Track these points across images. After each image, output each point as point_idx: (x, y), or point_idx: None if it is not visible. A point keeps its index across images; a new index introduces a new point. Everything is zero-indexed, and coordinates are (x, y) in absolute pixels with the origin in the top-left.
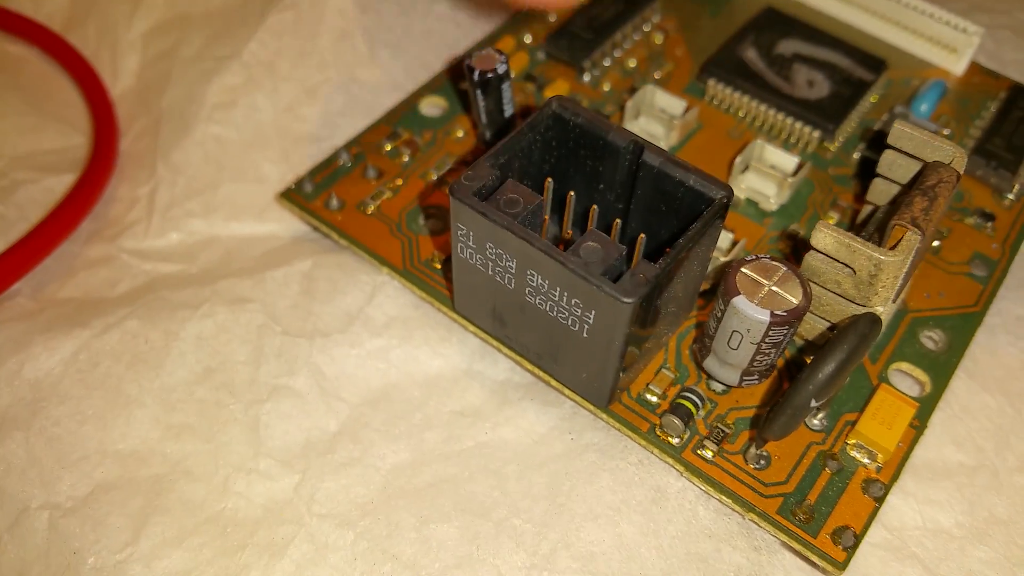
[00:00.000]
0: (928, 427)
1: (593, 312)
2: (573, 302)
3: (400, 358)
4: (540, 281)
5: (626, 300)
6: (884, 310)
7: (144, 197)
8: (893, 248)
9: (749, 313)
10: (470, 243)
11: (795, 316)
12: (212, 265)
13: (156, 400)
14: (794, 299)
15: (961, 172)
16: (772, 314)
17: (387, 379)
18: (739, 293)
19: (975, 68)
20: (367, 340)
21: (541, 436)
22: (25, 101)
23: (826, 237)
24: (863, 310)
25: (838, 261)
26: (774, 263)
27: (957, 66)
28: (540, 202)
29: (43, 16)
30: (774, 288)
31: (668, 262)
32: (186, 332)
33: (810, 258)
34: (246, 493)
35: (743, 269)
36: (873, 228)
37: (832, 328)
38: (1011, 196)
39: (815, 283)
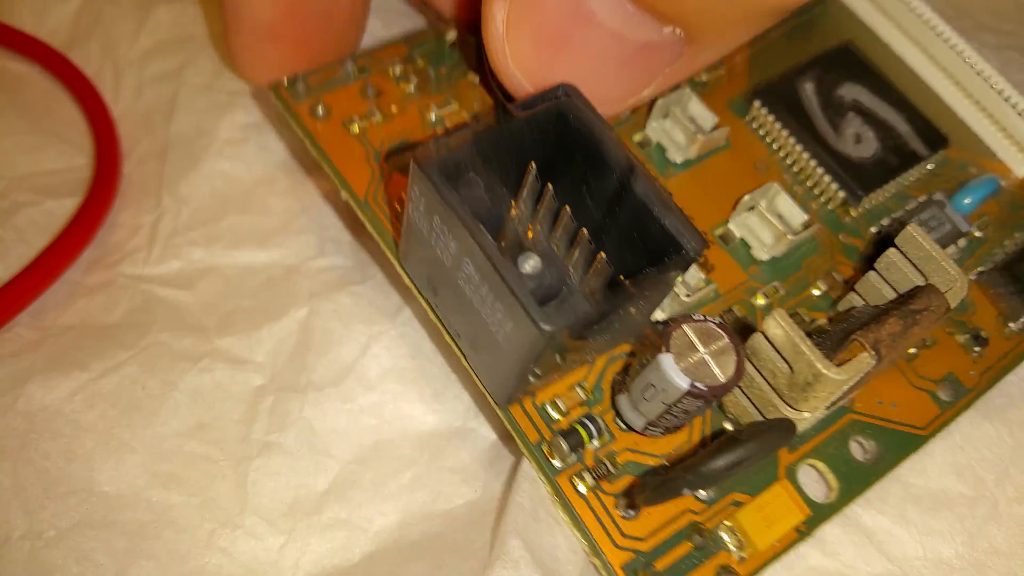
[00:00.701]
0: (930, 455)
1: (511, 324)
2: (496, 305)
3: (393, 414)
4: (472, 272)
5: (544, 327)
6: (810, 417)
7: (147, 225)
8: (841, 365)
9: (670, 375)
10: (420, 208)
11: (714, 394)
12: (211, 296)
13: (147, 448)
14: (721, 376)
15: (954, 304)
16: (692, 385)
17: (379, 435)
18: (668, 352)
19: None
20: (360, 395)
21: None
22: (26, 119)
23: (777, 328)
24: (788, 411)
25: (781, 355)
26: (718, 331)
27: (1021, 167)
28: (503, 194)
29: (45, 33)
30: (707, 357)
31: (605, 304)
32: (184, 384)
33: (756, 340)
34: (230, 550)
35: (685, 327)
36: (841, 328)
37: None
38: (1014, 327)
39: (752, 364)
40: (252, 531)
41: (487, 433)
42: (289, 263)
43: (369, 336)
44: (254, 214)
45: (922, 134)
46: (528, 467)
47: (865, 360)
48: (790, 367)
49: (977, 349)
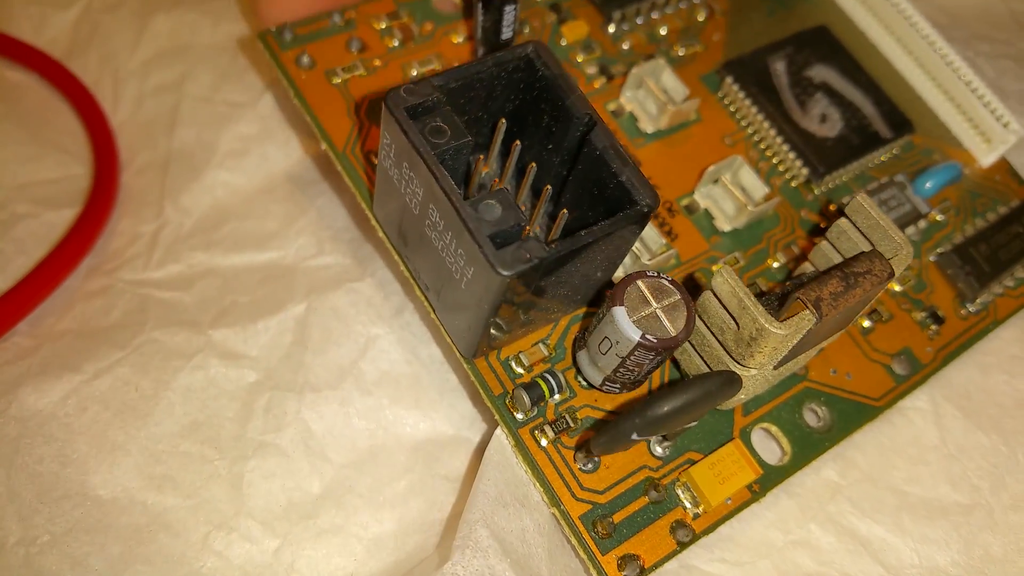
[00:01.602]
0: (925, 465)
1: (472, 269)
2: (459, 252)
3: (389, 420)
4: (437, 219)
5: (501, 272)
6: (757, 373)
7: (148, 235)
8: (783, 320)
9: (623, 327)
10: (391, 155)
11: (665, 347)
12: (208, 293)
13: (141, 450)
14: (672, 330)
15: (900, 271)
16: (643, 336)
17: (375, 441)
18: (622, 305)
19: (1003, 166)
20: (357, 398)
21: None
22: (24, 129)
23: (724, 283)
24: (736, 367)
25: (728, 311)
26: (671, 287)
27: (986, 157)
28: (467, 142)
29: (44, 42)
30: (659, 312)
31: (561, 249)
32: (177, 383)
33: (706, 297)
34: (225, 553)
35: (638, 282)
36: (790, 289)
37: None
38: (970, 307)
39: (703, 321)
40: (247, 534)
41: (481, 443)
42: (287, 263)
43: (367, 339)
44: (254, 219)
45: (887, 118)
46: (492, 454)
47: (806, 317)
48: (736, 322)
49: (933, 327)
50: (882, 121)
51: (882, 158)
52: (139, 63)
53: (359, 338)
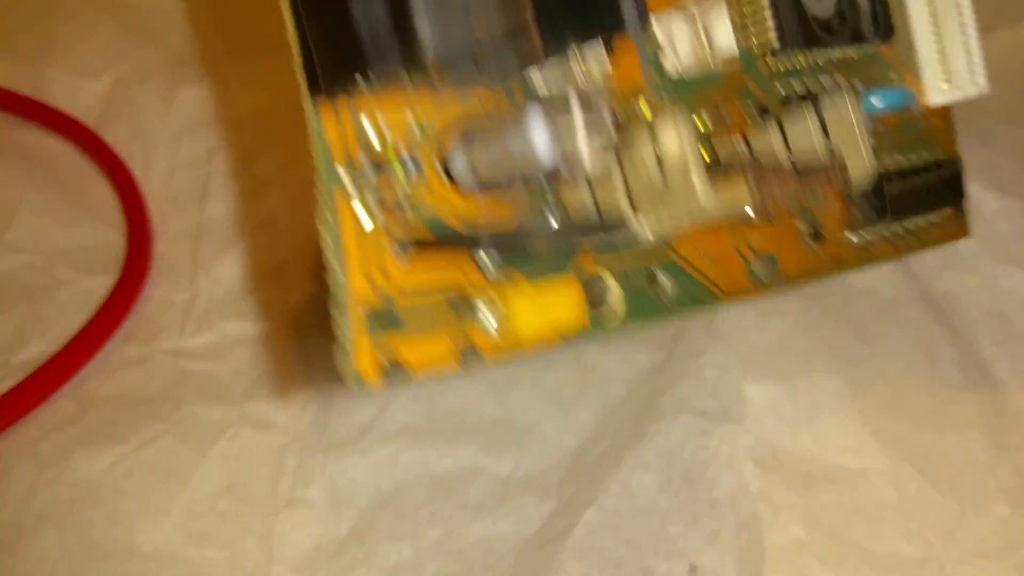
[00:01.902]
0: (884, 522)
1: None
2: None
3: (409, 461)
4: None
5: None
6: (641, 231)
7: (181, 303)
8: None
9: (534, 142)
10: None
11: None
12: (241, 366)
13: (182, 510)
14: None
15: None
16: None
17: (396, 482)
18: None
19: (943, 112)
20: (378, 447)
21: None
22: (61, 196)
23: (673, 136)
24: (627, 214)
25: (659, 160)
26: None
27: (936, 96)
28: None
29: (79, 111)
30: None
31: None
32: (214, 451)
33: (639, 135)
34: None
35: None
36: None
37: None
38: (854, 238)
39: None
40: None
41: (499, 471)
42: None
43: (387, 399)
44: (283, 289)
45: (875, 16)
46: None
47: (741, 197)
48: (664, 177)
49: (813, 245)
50: (870, 18)
51: (845, 55)
52: (170, 135)
53: (379, 399)
